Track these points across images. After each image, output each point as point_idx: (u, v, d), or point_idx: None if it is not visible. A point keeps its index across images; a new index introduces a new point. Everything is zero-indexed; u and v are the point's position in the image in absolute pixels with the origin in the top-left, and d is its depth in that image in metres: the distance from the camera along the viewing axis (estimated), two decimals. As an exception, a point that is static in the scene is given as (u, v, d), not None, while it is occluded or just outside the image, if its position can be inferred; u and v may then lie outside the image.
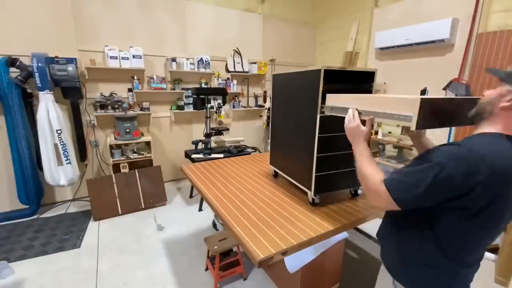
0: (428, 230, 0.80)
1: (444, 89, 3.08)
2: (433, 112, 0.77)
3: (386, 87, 3.81)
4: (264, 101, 4.63)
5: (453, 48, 3.09)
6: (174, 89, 3.72)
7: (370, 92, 1.44)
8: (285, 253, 1.05)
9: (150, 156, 3.35)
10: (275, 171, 1.84)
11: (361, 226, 2.50)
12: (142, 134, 3.50)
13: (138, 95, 3.48)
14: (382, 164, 3.19)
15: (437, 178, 0.69)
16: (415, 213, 0.80)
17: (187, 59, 3.67)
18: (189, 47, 3.80)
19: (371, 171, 0.85)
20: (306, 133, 1.39)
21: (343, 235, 1.72)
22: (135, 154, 3.33)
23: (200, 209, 3.11)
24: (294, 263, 1.55)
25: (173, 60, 3.54)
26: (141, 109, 3.53)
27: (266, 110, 4.36)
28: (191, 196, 3.46)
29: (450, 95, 3.05)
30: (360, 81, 1.48)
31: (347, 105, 1.07)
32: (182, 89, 3.74)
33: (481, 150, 0.69)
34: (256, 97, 4.55)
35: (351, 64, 4.32)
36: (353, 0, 4.22)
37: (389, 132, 3.63)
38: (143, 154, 3.35)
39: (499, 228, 0.78)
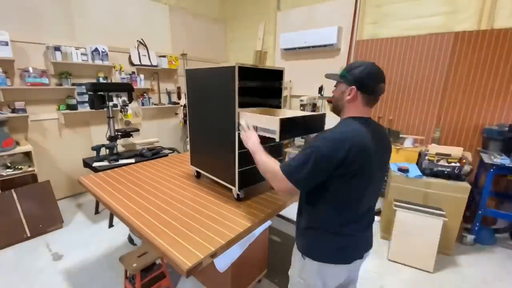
0: (316, 196, 1.00)
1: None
2: (290, 127, 1.16)
3: (291, 84, 4.24)
4: (179, 97, 4.37)
5: (339, 52, 3.70)
6: (61, 84, 3.04)
7: (280, 89, 1.55)
8: (214, 255, 1.02)
9: (33, 171, 2.65)
10: (197, 171, 1.77)
11: (282, 212, 2.72)
12: (18, 143, 2.72)
13: (6, 92, 2.67)
14: (293, 152, 3.53)
15: (316, 158, 0.88)
16: (311, 191, 1.00)
17: (77, 48, 3.05)
18: (78, 34, 3.17)
19: (269, 162, 1.04)
20: (226, 130, 1.38)
21: (267, 223, 1.82)
22: (8, 170, 2.56)
23: (111, 225, 2.69)
24: (223, 262, 1.54)
25: (57, 49, 2.87)
26: (13, 110, 2.73)
27: (182, 107, 4.13)
28: (97, 212, 2.94)
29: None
30: (270, 79, 1.57)
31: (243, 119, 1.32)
32: (73, 84, 3.09)
33: (343, 131, 0.93)
34: (169, 93, 4.24)
35: (261, 63, 4.58)
36: (258, 1, 4.45)
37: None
38: (21, 169, 2.61)
39: (371, 184, 0.99)
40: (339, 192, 0.95)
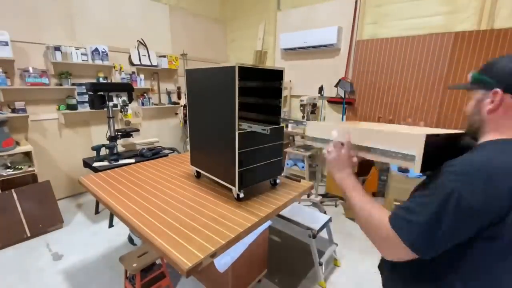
0: (449, 271, 0.64)
1: (336, 86, 3.66)
2: (436, 151, 0.68)
3: (291, 84, 4.24)
4: (179, 97, 4.37)
5: (339, 52, 3.70)
6: (61, 84, 3.04)
7: (280, 89, 1.55)
8: (214, 255, 1.02)
9: (33, 171, 2.65)
10: (197, 171, 1.77)
11: (282, 212, 2.72)
12: (18, 143, 2.72)
13: (6, 92, 2.67)
14: (293, 152, 3.53)
15: (457, 209, 0.55)
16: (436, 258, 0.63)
17: (77, 48, 3.05)
18: (78, 34, 3.17)
19: (376, 212, 0.68)
20: (226, 130, 1.38)
21: (268, 223, 1.82)
22: (8, 170, 2.56)
23: (111, 225, 2.69)
24: (223, 262, 1.54)
25: (57, 49, 2.87)
26: (13, 110, 2.73)
27: (182, 107, 4.13)
28: (97, 212, 2.95)
29: (340, 91, 3.66)
30: (270, 79, 1.57)
31: (329, 136, 0.90)
32: (73, 84, 3.09)
33: (496, 163, 0.57)
34: (169, 93, 4.24)
35: (261, 63, 4.58)
36: (258, 1, 4.45)
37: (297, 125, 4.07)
38: (21, 169, 2.61)
39: None
40: (489, 263, 0.60)
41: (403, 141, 0.69)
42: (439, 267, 0.65)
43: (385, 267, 0.83)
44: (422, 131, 0.69)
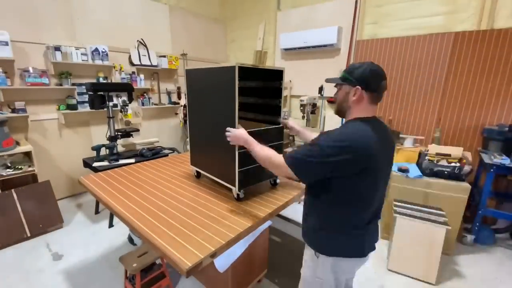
0: (326, 196, 1.01)
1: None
2: None
3: (291, 84, 4.24)
4: (179, 97, 4.37)
5: (340, 52, 3.69)
6: (61, 84, 3.04)
7: (280, 89, 1.55)
8: (214, 255, 1.02)
9: (33, 171, 2.65)
10: (197, 171, 1.77)
11: (282, 212, 2.72)
12: (18, 143, 2.72)
13: (6, 92, 2.67)
14: (294, 153, 3.53)
15: (320, 156, 0.91)
16: (315, 188, 1.03)
17: (77, 48, 3.05)
18: (79, 34, 3.17)
19: (270, 153, 1.09)
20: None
21: (268, 223, 1.82)
22: (9, 170, 2.56)
23: (111, 225, 2.69)
24: (223, 262, 1.54)
25: (57, 49, 2.87)
26: (13, 110, 2.73)
27: (182, 107, 4.13)
28: (97, 212, 2.94)
29: (341, 91, 3.66)
30: (270, 79, 1.57)
31: None
32: (73, 84, 3.09)
33: (348, 132, 0.94)
34: (169, 93, 4.24)
35: (261, 63, 4.58)
36: (258, 1, 4.45)
37: (298, 124, 4.06)
38: (21, 169, 2.61)
39: (380, 182, 1.01)
40: (348, 193, 0.97)
41: None
42: (323, 199, 1.02)
43: (304, 218, 1.16)
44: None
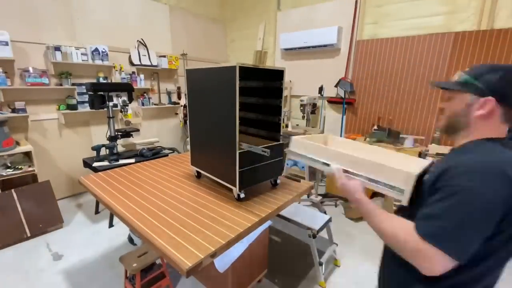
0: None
1: (336, 86, 3.66)
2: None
3: (291, 84, 4.24)
4: (179, 97, 4.37)
5: (340, 52, 3.69)
6: (61, 84, 3.04)
7: (280, 89, 1.55)
8: (214, 255, 1.02)
9: (33, 171, 2.65)
10: (197, 171, 1.77)
11: (282, 212, 2.73)
12: (18, 143, 2.72)
13: (6, 92, 2.67)
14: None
15: (479, 206, 0.59)
16: None
17: (77, 48, 3.05)
18: (79, 34, 3.17)
19: (395, 224, 0.70)
20: (227, 130, 1.38)
21: (268, 223, 1.82)
22: (8, 170, 2.56)
23: (111, 225, 2.69)
24: (223, 262, 1.54)
25: (57, 49, 2.87)
26: (13, 110, 2.73)
27: (182, 107, 4.13)
28: (97, 212, 2.94)
29: (340, 91, 3.67)
30: (271, 79, 1.57)
31: (318, 156, 0.97)
32: (73, 84, 3.09)
33: (495, 160, 0.64)
34: (169, 93, 4.24)
35: (261, 63, 4.58)
36: (258, 1, 4.45)
37: (297, 125, 4.07)
38: (21, 169, 2.61)
39: None
40: (500, 256, 0.66)
41: (393, 174, 0.78)
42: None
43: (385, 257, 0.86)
44: (411, 166, 0.78)
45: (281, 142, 1.55)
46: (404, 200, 0.75)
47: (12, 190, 2.45)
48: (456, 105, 0.75)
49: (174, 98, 4.37)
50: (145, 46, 3.76)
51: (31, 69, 2.77)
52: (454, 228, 0.60)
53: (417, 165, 0.83)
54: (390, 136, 2.98)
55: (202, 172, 1.71)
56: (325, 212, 2.58)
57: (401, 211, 0.79)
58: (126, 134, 3.00)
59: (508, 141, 0.70)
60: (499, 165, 0.61)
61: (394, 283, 0.82)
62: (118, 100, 3.08)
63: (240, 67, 1.23)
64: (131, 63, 3.65)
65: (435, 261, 0.60)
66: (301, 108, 3.64)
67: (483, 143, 0.70)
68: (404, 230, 0.66)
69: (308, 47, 3.78)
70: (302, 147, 1.03)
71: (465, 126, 0.73)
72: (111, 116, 2.72)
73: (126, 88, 2.80)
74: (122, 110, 3.21)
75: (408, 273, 0.71)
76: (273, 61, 4.46)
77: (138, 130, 3.27)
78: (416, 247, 0.62)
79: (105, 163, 2.61)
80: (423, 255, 0.62)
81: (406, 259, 0.66)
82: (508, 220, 0.60)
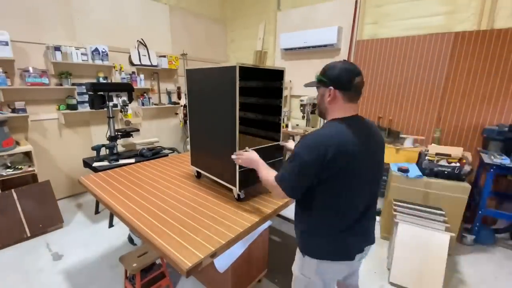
0: (306, 200, 1.03)
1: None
2: None
3: (291, 84, 4.24)
4: (179, 97, 4.37)
5: (340, 52, 3.69)
6: (61, 84, 3.04)
7: (280, 89, 1.55)
8: (214, 255, 1.02)
9: (33, 170, 2.65)
10: (197, 171, 1.77)
11: (282, 212, 2.72)
12: (18, 143, 2.72)
13: (6, 92, 2.67)
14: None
15: (301, 165, 0.93)
16: (302, 199, 1.05)
17: (77, 48, 3.05)
18: (79, 34, 3.17)
19: (268, 174, 1.10)
20: (226, 130, 1.38)
21: (268, 223, 1.82)
22: (8, 170, 2.56)
23: (111, 225, 2.69)
24: (223, 262, 1.54)
25: (57, 49, 2.87)
26: (13, 110, 2.73)
27: (182, 107, 4.13)
28: (97, 212, 2.94)
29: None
30: (271, 79, 1.57)
31: None
32: (73, 84, 3.09)
33: (323, 133, 0.95)
34: (169, 93, 4.24)
35: (261, 63, 4.58)
36: (258, 1, 4.45)
37: (297, 125, 4.07)
38: (21, 169, 2.61)
39: (364, 185, 1.00)
40: (327, 197, 0.97)
41: None
42: (306, 205, 1.04)
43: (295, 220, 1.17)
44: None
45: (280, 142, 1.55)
46: None
47: (12, 190, 2.45)
48: (318, 97, 1.06)
49: (174, 98, 4.36)
50: (145, 46, 3.76)
51: (31, 69, 2.77)
52: (286, 175, 0.99)
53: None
54: (390, 136, 2.97)
55: (202, 172, 1.71)
56: (325, 212, 2.58)
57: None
58: (126, 134, 3.00)
59: (353, 118, 0.99)
60: (322, 139, 0.92)
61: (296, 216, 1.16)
62: (118, 100, 3.08)
63: (240, 67, 1.24)
64: (131, 63, 3.65)
65: (281, 193, 1.01)
66: (301, 108, 3.64)
67: (331, 122, 1.00)
68: (271, 177, 1.05)
69: (308, 47, 3.78)
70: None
71: (325, 110, 1.03)
72: (111, 116, 2.72)
73: (126, 88, 2.80)
74: (122, 110, 3.21)
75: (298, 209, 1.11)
76: (273, 61, 4.46)
77: (138, 130, 3.27)
78: (274, 185, 1.03)
79: (105, 163, 2.61)
80: (276, 190, 1.03)
81: (270, 190, 1.12)
82: (321, 172, 0.92)
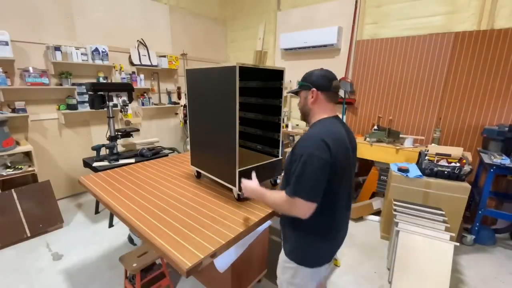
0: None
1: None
2: None
3: (291, 84, 4.23)
4: (179, 97, 4.37)
5: (340, 52, 3.69)
6: (61, 84, 3.04)
7: (280, 89, 1.55)
8: (214, 255, 1.02)
9: (33, 170, 2.65)
10: (197, 171, 1.77)
11: (281, 212, 2.72)
12: (18, 143, 2.72)
13: (6, 92, 2.67)
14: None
15: (319, 164, 0.91)
16: None
17: (77, 48, 3.05)
18: (78, 34, 3.17)
19: (275, 196, 1.04)
20: (226, 130, 1.38)
21: (268, 223, 1.82)
22: (9, 170, 2.56)
23: (111, 225, 2.69)
24: (223, 262, 1.54)
25: (57, 49, 2.87)
26: (13, 110, 2.73)
27: (182, 107, 4.13)
28: (97, 212, 2.94)
29: (340, 91, 3.66)
30: (271, 79, 1.57)
31: None
32: (73, 84, 3.09)
33: (325, 130, 0.98)
34: (169, 93, 4.24)
35: (261, 63, 4.58)
36: (258, 1, 4.45)
37: (297, 125, 4.07)
38: (21, 169, 2.61)
39: (348, 180, 1.05)
40: (325, 198, 0.97)
41: None
42: None
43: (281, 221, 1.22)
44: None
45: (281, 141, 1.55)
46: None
47: (12, 190, 2.45)
48: (301, 100, 1.12)
49: (174, 98, 4.36)
50: (145, 46, 3.76)
51: (31, 69, 2.77)
52: (304, 184, 0.92)
53: None
54: (390, 136, 2.98)
55: (202, 172, 1.71)
56: (325, 212, 2.58)
57: (285, 179, 1.10)
58: (126, 134, 3.00)
59: (334, 117, 1.07)
60: (326, 134, 0.95)
61: (285, 232, 1.21)
62: (118, 100, 3.08)
63: (240, 67, 1.24)
64: (131, 63, 3.65)
65: (300, 207, 0.94)
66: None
67: (317, 122, 1.06)
68: (280, 198, 1.00)
69: (308, 47, 3.78)
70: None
71: (309, 111, 1.10)
72: (111, 116, 2.72)
73: (126, 88, 2.80)
74: (122, 110, 3.21)
75: (291, 224, 1.12)
76: (273, 61, 4.46)
77: (138, 130, 3.27)
78: (289, 202, 0.96)
79: (105, 163, 2.61)
80: (293, 205, 0.95)
81: (286, 213, 1.02)
82: (330, 167, 0.92)
